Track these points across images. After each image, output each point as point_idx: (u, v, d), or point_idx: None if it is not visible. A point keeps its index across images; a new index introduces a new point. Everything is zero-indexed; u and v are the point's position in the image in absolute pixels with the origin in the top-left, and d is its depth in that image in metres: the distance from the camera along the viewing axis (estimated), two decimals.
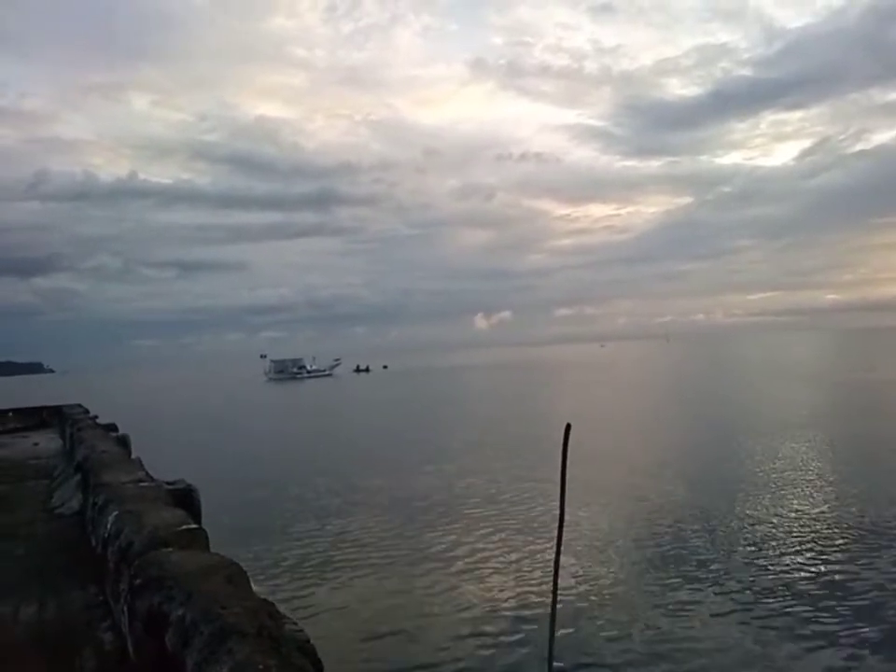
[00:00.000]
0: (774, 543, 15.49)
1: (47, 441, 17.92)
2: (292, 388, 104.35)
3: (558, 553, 3.82)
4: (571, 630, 11.01)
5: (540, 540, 16.28)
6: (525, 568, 14.54)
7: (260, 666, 2.70)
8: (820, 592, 12.50)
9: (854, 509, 17.90)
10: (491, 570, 14.62)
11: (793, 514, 17.82)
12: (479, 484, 23.30)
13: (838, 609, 11.68)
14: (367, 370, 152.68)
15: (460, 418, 46.68)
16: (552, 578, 3.76)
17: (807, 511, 18.03)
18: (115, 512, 5.64)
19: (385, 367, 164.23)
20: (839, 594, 12.33)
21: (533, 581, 13.62)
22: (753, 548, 15.23)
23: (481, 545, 16.47)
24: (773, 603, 12.07)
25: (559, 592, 3.77)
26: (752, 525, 17.02)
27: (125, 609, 4.27)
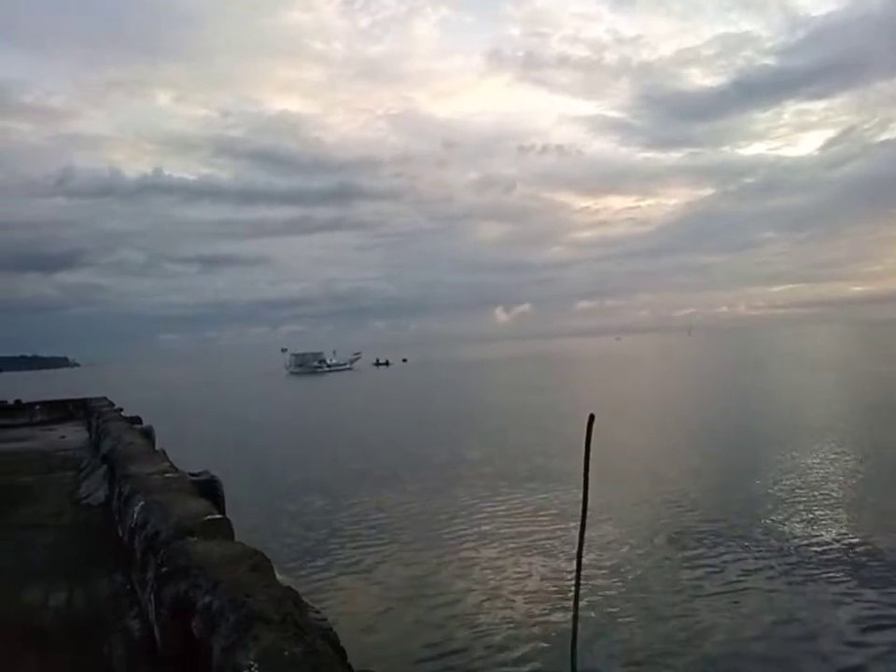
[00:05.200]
0: (802, 533, 15.33)
1: (73, 434, 18.20)
2: (313, 382, 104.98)
3: (581, 537, 3.82)
4: (594, 614, 11.01)
5: (564, 525, 16.35)
6: (550, 553, 14.62)
7: (286, 653, 2.73)
8: (851, 577, 12.39)
9: (879, 496, 17.70)
10: (515, 557, 14.67)
11: (819, 504, 17.61)
12: (500, 473, 23.32)
13: (867, 592, 11.58)
14: (387, 363, 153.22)
15: (479, 410, 46.69)
16: (575, 562, 3.75)
17: (834, 500, 17.82)
18: (141, 503, 5.72)
19: (404, 360, 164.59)
20: (869, 576, 12.21)
21: (557, 568, 13.68)
22: (780, 539, 15.07)
23: (504, 532, 16.56)
24: (801, 590, 11.99)
25: (582, 574, 3.77)
26: (778, 517, 16.85)
27: (152, 596, 4.33)
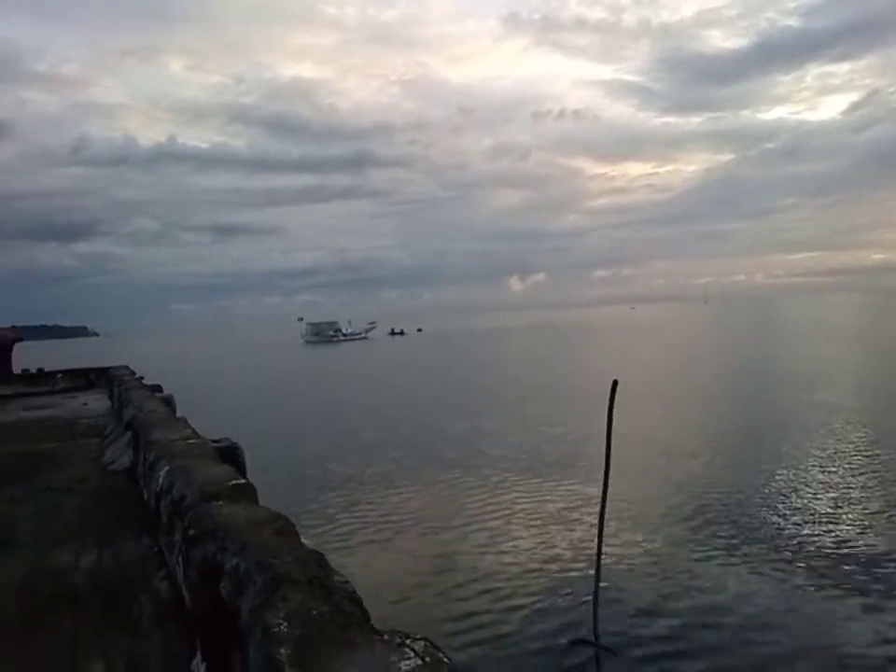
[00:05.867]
0: (818, 511, 15.32)
1: (95, 402, 18.48)
2: (329, 351, 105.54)
3: (603, 505, 3.85)
4: (614, 592, 11.06)
5: (584, 495, 16.45)
6: (572, 523, 14.75)
7: (314, 612, 2.78)
8: (866, 563, 12.32)
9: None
10: (537, 527, 14.79)
11: (837, 479, 17.57)
12: (520, 444, 23.43)
13: (883, 580, 11.53)
14: (401, 333, 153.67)
15: (495, 380, 46.79)
16: (597, 531, 3.78)
17: (852, 478, 17.76)
18: (165, 468, 5.81)
19: (419, 330, 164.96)
20: (884, 564, 12.15)
21: (579, 537, 13.77)
22: (797, 515, 15.07)
23: (524, 501, 16.73)
24: (816, 571, 11.93)
25: (603, 543, 3.80)
26: (795, 490, 16.84)
27: (180, 559, 4.42)
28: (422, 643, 2.53)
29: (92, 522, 6.73)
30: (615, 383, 3.16)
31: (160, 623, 4.33)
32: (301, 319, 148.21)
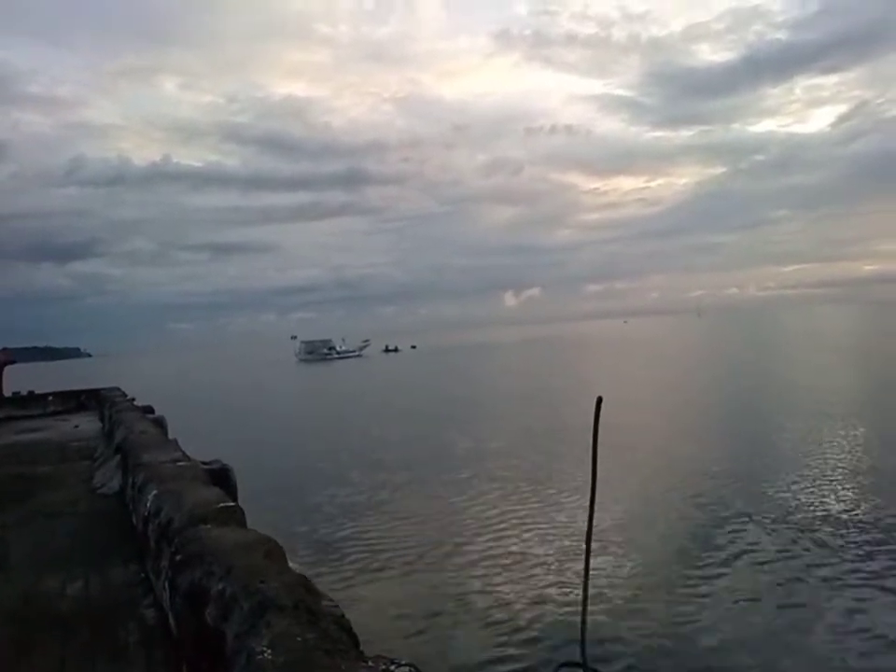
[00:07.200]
0: (818, 517, 15.31)
1: (86, 424, 18.37)
2: (322, 369, 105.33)
3: (590, 521, 3.85)
4: (602, 613, 11.00)
5: (574, 510, 16.39)
6: (561, 540, 14.68)
7: (299, 638, 2.76)
8: (859, 581, 12.28)
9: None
10: (527, 544, 14.72)
11: (832, 487, 17.58)
12: (512, 461, 23.37)
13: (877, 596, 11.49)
14: (396, 350, 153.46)
15: (489, 396, 46.73)
16: (584, 548, 3.78)
17: (848, 482, 17.78)
18: (154, 491, 5.78)
19: (413, 347, 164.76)
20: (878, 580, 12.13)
21: (568, 554, 13.71)
22: (792, 523, 15.06)
23: (515, 517, 16.65)
24: (810, 591, 11.85)
25: (591, 560, 3.80)
26: (790, 500, 16.83)
27: (166, 584, 4.38)
28: (406, 668, 2.52)
29: (81, 547, 6.68)
30: (599, 400, 3.18)
31: (146, 650, 4.29)
32: (295, 337, 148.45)
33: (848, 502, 16.42)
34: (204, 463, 8.82)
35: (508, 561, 13.75)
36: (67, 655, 4.30)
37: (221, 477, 8.24)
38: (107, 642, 4.43)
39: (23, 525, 7.72)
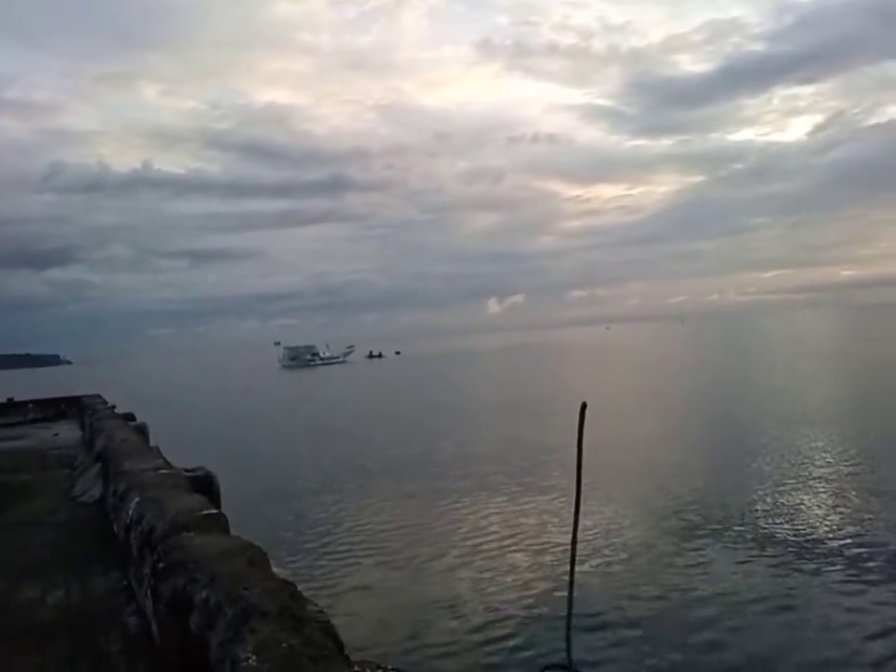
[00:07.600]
0: (795, 521, 15.47)
1: (67, 432, 18.15)
2: (306, 375, 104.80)
3: (575, 526, 3.86)
4: (588, 615, 11.02)
5: (558, 515, 16.44)
6: (545, 544, 14.68)
7: (283, 644, 2.75)
8: (842, 561, 12.48)
9: (873, 478, 17.87)
10: (512, 549, 14.72)
11: (811, 491, 17.77)
12: (494, 466, 23.36)
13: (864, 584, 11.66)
14: (380, 355, 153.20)
15: (471, 402, 46.76)
16: (570, 552, 3.79)
17: (827, 486, 17.98)
18: (136, 499, 5.73)
19: (397, 353, 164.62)
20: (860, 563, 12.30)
21: (552, 558, 13.73)
22: (772, 527, 15.20)
23: (499, 523, 16.65)
24: (794, 596, 12.03)
25: (576, 563, 3.81)
26: (769, 504, 16.98)
27: (149, 592, 4.35)
28: None
29: (62, 555, 6.60)
30: (583, 406, 3.19)
31: (129, 659, 4.25)
32: (279, 343, 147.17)
33: (828, 507, 16.61)
34: (188, 470, 8.75)
35: (493, 566, 13.76)
36: (47, 665, 4.25)
37: (205, 484, 8.18)
38: (89, 651, 4.39)
39: (2, 533, 7.61)
